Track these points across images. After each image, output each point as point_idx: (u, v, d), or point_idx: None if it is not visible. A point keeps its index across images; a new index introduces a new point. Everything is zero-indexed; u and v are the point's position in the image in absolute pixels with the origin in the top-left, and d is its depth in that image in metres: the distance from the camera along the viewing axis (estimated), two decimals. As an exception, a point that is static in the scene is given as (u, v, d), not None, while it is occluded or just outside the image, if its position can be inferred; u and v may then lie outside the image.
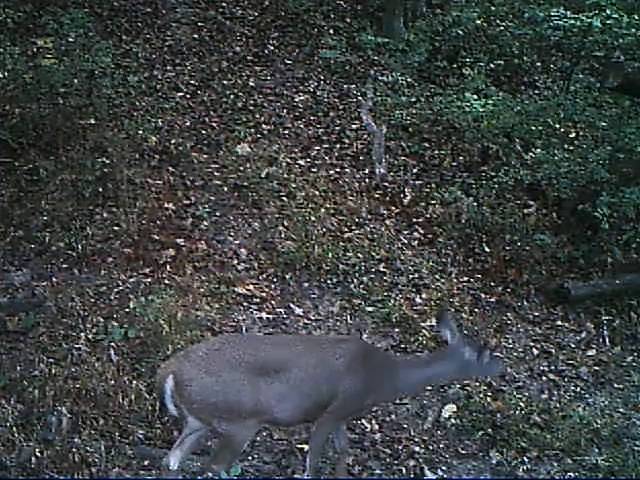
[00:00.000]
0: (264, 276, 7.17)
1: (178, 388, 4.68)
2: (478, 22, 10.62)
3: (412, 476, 5.42)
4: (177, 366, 4.74)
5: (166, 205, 7.67)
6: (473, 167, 8.81)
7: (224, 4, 11.40)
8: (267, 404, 4.75)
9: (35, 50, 8.89)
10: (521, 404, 6.13)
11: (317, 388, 4.90)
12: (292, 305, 6.94)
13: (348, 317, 6.90)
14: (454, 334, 5.20)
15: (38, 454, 5.15)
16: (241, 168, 8.29)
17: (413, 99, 9.65)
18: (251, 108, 9.43)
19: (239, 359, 4.77)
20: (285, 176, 8.28)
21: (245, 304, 6.84)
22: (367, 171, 8.65)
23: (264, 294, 6.97)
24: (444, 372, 5.25)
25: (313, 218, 7.73)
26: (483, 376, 5.90)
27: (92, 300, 6.59)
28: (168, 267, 7.01)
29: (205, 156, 8.47)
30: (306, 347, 5.12)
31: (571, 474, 5.66)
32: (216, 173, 8.24)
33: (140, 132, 8.46)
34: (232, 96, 9.51)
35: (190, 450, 4.96)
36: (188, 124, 8.93)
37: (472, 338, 6.00)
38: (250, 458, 5.42)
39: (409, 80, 9.94)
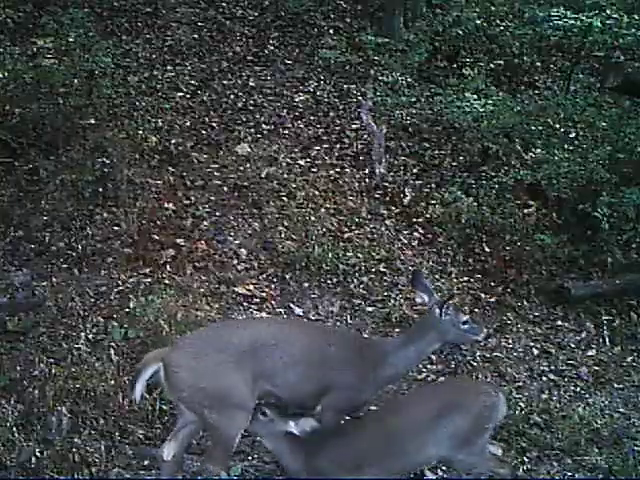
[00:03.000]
0: (264, 276, 7.17)
1: (167, 376, 4.67)
2: (478, 22, 10.61)
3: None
4: (166, 354, 4.74)
5: (166, 205, 7.67)
6: (473, 167, 8.81)
7: (224, 4, 11.41)
8: (257, 382, 4.71)
9: (35, 50, 8.89)
10: (521, 404, 6.13)
11: (308, 369, 4.84)
12: (292, 305, 6.94)
13: (348, 317, 6.90)
14: (431, 294, 5.12)
15: (38, 454, 5.15)
16: (241, 168, 8.30)
17: (413, 99, 9.65)
18: (251, 108, 9.44)
19: (226, 342, 4.75)
20: (285, 176, 8.28)
21: (245, 304, 6.84)
22: (367, 171, 8.65)
23: (264, 294, 6.97)
24: (429, 340, 5.07)
25: (313, 218, 7.74)
26: (467, 341, 5.42)
27: (92, 300, 6.60)
28: (168, 267, 7.01)
29: (205, 156, 8.47)
30: (300, 328, 5.17)
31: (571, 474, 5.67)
32: (216, 173, 8.25)
33: (140, 132, 8.47)
34: (232, 96, 9.51)
35: (185, 442, 4.93)
36: (188, 124, 8.93)
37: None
38: (250, 458, 5.42)
39: (409, 80, 9.93)
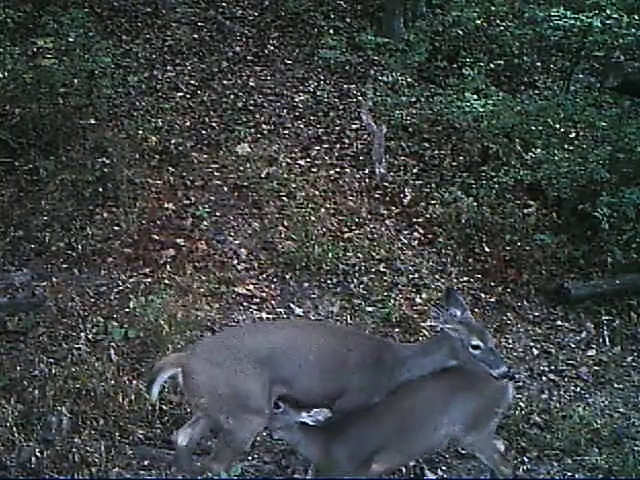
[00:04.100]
0: (264, 276, 7.17)
1: (186, 382, 4.67)
2: (478, 22, 10.64)
3: (412, 476, 5.41)
4: (185, 360, 4.73)
5: (166, 205, 7.67)
6: (473, 167, 8.81)
7: (224, 4, 11.42)
8: (274, 386, 4.70)
9: (35, 50, 8.89)
10: (521, 404, 6.12)
11: (326, 372, 4.82)
12: (292, 305, 6.94)
13: (348, 317, 6.89)
14: (464, 310, 4.99)
15: (38, 454, 5.15)
16: (241, 168, 8.30)
17: (413, 99, 9.66)
18: (251, 108, 9.45)
19: (244, 347, 4.73)
20: (285, 176, 8.29)
21: (245, 304, 6.84)
22: (367, 171, 8.65)
23: (264, 294, 6.97)
24: (442, 354, 4.95)
25: (313, 218, 7.74)
26: (479, 369, 4.97)
27: (92, 300, 6.60)
28: (168, 267, 7.01)
29: (205, 156, 8.47)
30: (317, 331, 5.10)
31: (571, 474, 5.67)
32: (216, 173, 8.25)
33: (140, 132, 8.48)
34: (232, 96, 9.51)
35: (200, 432, 4.94)
36: (188, 124, 8.94)
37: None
38: (250, 458, 5.42)
39: (409, 80, 9.95)
